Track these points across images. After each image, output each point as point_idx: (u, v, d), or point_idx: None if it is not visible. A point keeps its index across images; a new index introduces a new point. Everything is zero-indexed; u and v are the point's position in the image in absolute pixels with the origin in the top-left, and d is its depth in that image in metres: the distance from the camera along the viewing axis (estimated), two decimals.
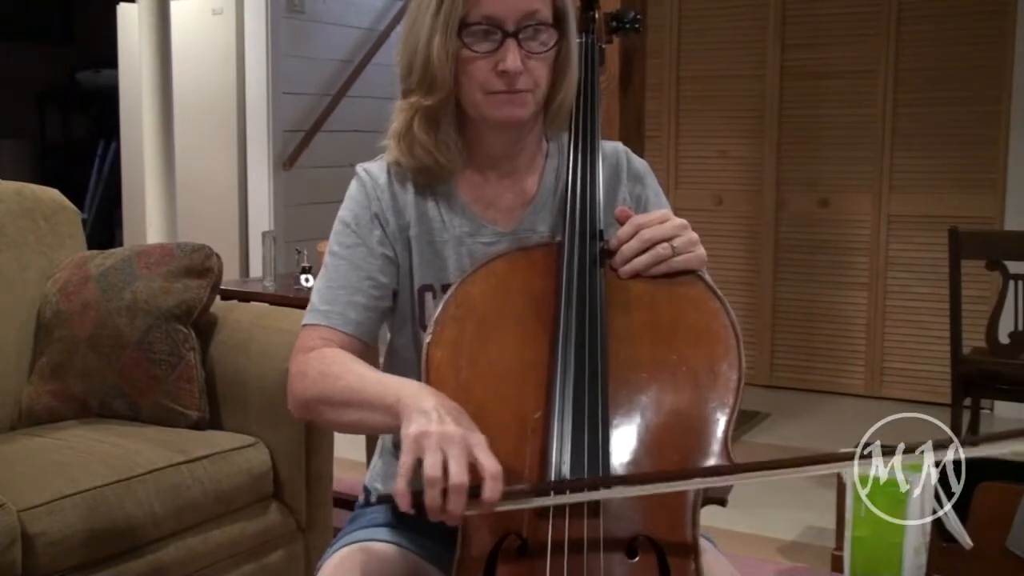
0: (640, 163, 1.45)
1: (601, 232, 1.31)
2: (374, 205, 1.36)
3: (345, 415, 1.23)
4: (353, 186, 1.39)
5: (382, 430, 1.26)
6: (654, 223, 1.28)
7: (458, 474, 1.03)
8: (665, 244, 1.26)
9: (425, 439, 1.05)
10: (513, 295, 1.27)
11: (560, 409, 1.16)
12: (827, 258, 4.79)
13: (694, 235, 1.29)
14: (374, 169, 1.39)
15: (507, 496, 1.07)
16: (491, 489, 1.04)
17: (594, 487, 1.11)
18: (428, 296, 1.36)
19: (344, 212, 1.38)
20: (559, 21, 1.30)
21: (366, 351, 1.34)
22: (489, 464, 1.05)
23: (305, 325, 1.33)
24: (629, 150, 1.46)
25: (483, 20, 1.26)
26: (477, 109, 1.30)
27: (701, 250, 1.29)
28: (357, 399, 1.20)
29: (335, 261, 1.35)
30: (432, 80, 1.29)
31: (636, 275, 1.27)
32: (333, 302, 1.32)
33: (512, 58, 1.25)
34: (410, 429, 1.07)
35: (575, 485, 1.12)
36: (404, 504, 1.05)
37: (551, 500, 1.11)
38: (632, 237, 1.27)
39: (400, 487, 1.05)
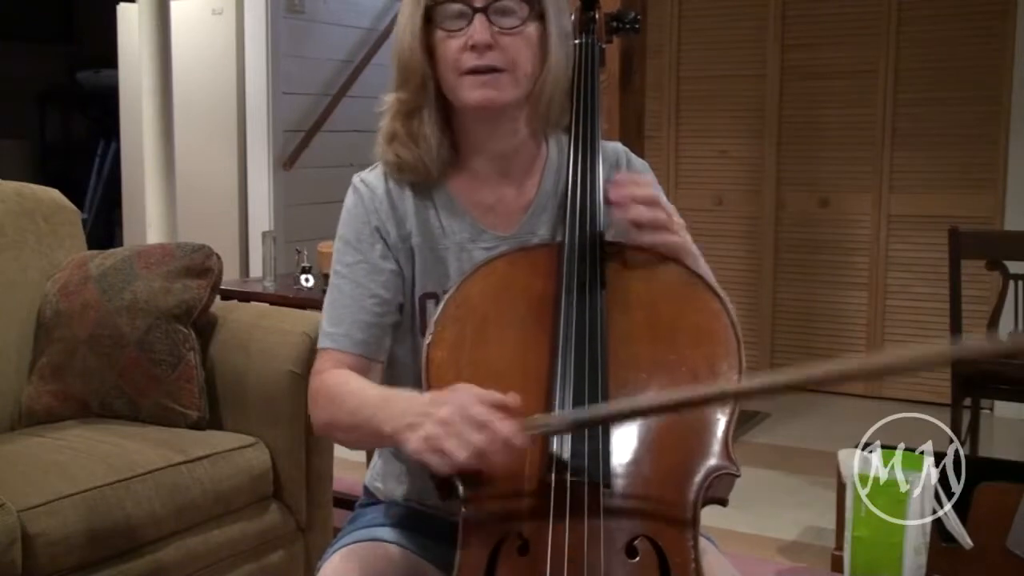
0: (639, 163, 1.45)
1: (601, 233, 1.31)
2: (373, 218, 1.35)
3: (356, 437, 1.28)
4: (350, 199, 1.38)
5: (391, 446, 1.29)
6: (661, 202, 1.30)
7: (466, 447, 1.06)
8: (665, 215, 1.28)
9: (426, 446, 1.08)
10: (514, 295, 1.27)
11: (560, 409, 1.16)
12: (827, 258, 4.79)
13: (681, 220, 1.32)
14: (371, 179, 1.38)
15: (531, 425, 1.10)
16: (505, 428, 1.07)
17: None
18: (430, 304, 1.35)
19: (343, 229, 1.38)
20: (538, 3, 1.29)
21: (377, 367, 1.34)
22: (481, 414, 1.07)
23: (319, 348, 1.35)
24: (628, 150, 1.46)
25: None
26: (454, 93, 1.30)
27: (687, 236, 1.31)
28: (362, 424, 1.22)
29: (338, 280, 1.36)
30: (405, 69, 1.30)
31: (633, 223, 1.27)
32: (339, 323, 1.33)
33: (479, 32, 1.25)
34: (410, 448, 1.10)
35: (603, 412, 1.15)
36: (465, 478, 1.11)
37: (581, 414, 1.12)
38: (641, 196, 1.28)
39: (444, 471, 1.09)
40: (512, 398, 1.08)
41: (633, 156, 1.45)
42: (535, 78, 1.31)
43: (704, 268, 1.35)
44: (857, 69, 4.64)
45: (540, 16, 1.30)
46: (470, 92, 1.28)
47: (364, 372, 1.31)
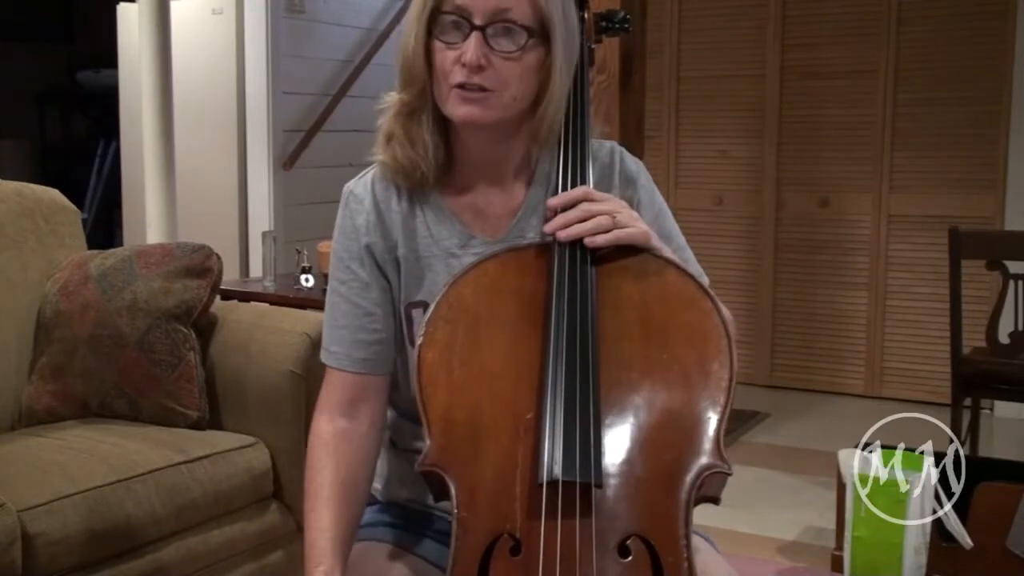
0: (633, 164, 1.43)
1: None
2: (362, 237, 1.36)
3: None
4: (339, 214, 1.39)
5: None
6: (596, 197, 1.28)
7: None
8: (606, 216, 1.25)
9: None
10: (505, 295, 1.27)
11: (552, 409, 1.16)
12: (827, 258, 4.79)
13: (635, 213, 1.29)
14: (359, 190, 1.38)
15: None
16: None
17: None
18: (416, 312, 1.36)
19: (336, 244, 1.39)
20: (542, 29, 1.26)
21: (380, 380, 1.37)
22: None
23: (326, 365, 1.38)
24: (624, 150, 1.43)
25: (454, 10, 1.25)
26: (443, 105, 1.29)
27: (643, 226, 1.28)
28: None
29: (335, 297, 1.38)
30: (408, 72, 1.29)
31: (574, 240, 1.25)
32: (340, 343, 1.36)
33: (472, 51, 1.23)
34: None
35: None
36: None
37: None
38: (572, 207, 1.27)
39: None
40: None
41: (627, 156, 1.43)
42: (528, 100, 1.29)
43: (688, 256, 1.37)
44: (857, 69, 4.65)
45: (545, 40, 1.27)
46: (455, 107, 1.27)
47: (369, 388, 1.35)
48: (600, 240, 1.25)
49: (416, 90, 1.30)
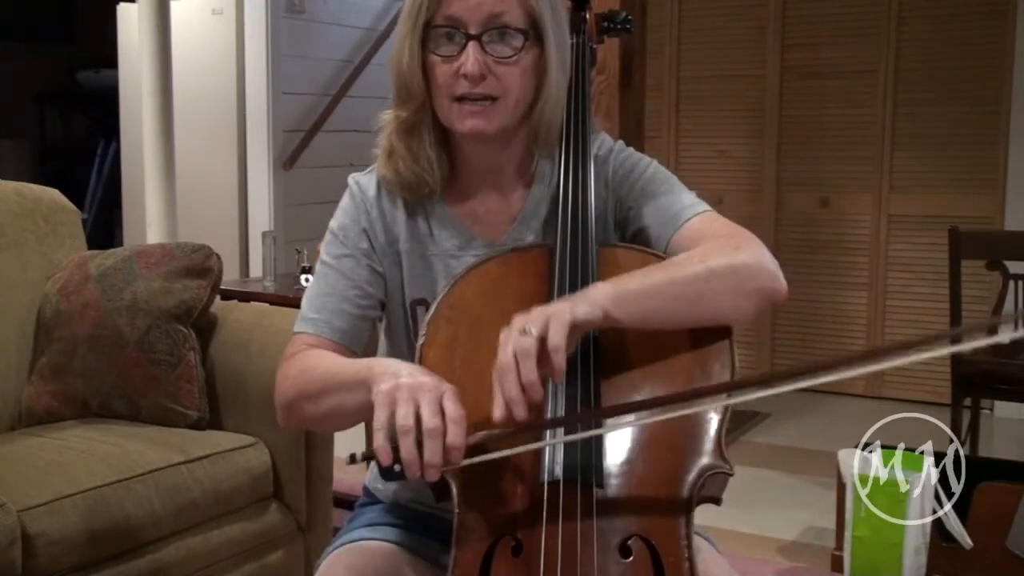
0: (605, 150, 1.39)
1: (592, 234, 1.29)
2: (363, 220, 1.36)
3: (323, 404, 1.23)
4: (345, 198, 1.40)
5: (358, 411, 1.21)
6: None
7: (431, 418, 1.04)
8: (522, 340, 1.09)
9: (397, 392, 1.06)
10: (506, 296, 1.27)
11: (553, 410, 1.16)
12: (827, 258, 4.79)
13: (547, 313, 1.11)
14: (364, 181, 1.39)
15: (476, 449, 1.08)
16: (453, 433, 1.04)
17: (578, 423, 1.12)
18: (421, 310, 1.35)
19: (334, 222, 1.39)
20: (535, 29, 1.26)
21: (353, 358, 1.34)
22: (452, 410, 1.05)
23: (295, 333, 1.34)
24: (605, 134, 1.41)
25: (446, 22, 1.24)
26: (447, 119, 1.28)
27: (565, 316, 1.10)
28: (333, 383, 1.21)
29: (324, 270, 1.36)
30: (404, 89, 1.29)
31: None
32: (321, 310, 1.33)
33: (471, 61, 1.23)
34: (381, 387, 1.08)
35: (558, 423, 1.13)
36: (385, 458, 1.04)
37: (532, 446, 1.11)
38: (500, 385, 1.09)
39: (379, 441, 1.05)
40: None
41: (607, 139, 1.41)
42: (529, 101, 1.29)
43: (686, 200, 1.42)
44: (857, 69, 4.64)
45: (539, 40, 1.27)
46: (460, 121, 1.27)
47: None
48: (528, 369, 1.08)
49: (415, 106, 1.29)
